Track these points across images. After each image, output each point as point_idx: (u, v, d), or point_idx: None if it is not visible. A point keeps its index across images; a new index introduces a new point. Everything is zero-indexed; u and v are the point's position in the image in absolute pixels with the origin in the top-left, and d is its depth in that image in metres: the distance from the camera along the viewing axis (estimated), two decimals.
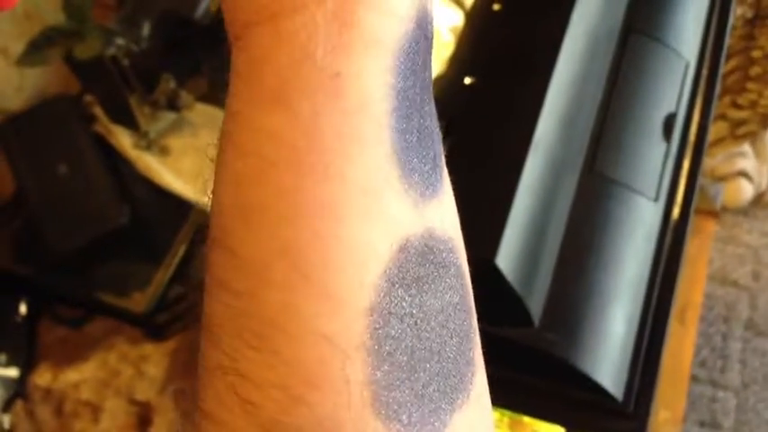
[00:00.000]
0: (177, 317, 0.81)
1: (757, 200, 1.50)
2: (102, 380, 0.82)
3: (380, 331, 0.21)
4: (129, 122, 0.81)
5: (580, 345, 0.46)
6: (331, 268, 0.21)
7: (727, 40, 0.59)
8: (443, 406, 0.22)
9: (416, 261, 0.22)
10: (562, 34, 0.47)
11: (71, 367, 0.83)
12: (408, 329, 0.21)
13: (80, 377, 0.82)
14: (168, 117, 0.83)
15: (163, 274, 0.80)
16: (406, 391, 0.21)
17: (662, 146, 0.54)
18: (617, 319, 0.48)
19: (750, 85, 1.26)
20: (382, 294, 0.21)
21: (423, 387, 0.22)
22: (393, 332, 0.21)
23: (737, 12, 1.25)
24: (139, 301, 0.79)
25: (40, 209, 0.80)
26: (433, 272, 0.22)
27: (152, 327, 0.81)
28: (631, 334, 0.48)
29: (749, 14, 1.25)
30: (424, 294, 0.22)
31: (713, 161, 1.35)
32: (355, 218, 0.21)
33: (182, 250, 0.81)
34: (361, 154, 0.21)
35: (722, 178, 1.40)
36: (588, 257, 0.49)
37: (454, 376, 0.22)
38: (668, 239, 0.52)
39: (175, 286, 0.81)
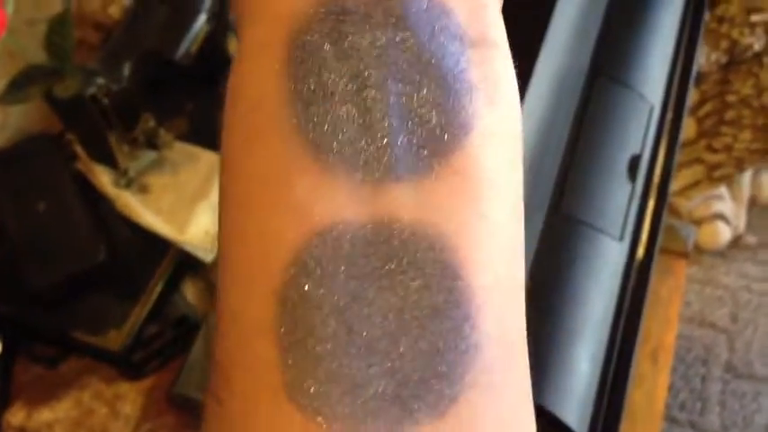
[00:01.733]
0: (153, 355, 0.81)
1: (734, 242, 1.52)
2: (75, 419, 0.81)
3: (286, 316, 0.20)
4: (109, 161, 0.81)
5: (545, 383, 0.46)
6: (238, 253, 0.22)
7: (692, 85, 0.61)
8: (393, 411, 0.20)
9: (352, 249, 0.21)
10: (529, 77, 0.49)
11: (45, 406, 0.82)
12: (331, 320, 0.20)
13: (54, 417, 0.82)
14: (148, 156, 0.83)
15: (139, 312, 0.80)
16: (329, 385, 0.20)
17: (627, 187, 0.56)
18: (582, 358, 0.48)
19: (725, 129, 1.29)
20: (289, 278, 0.21)
21: (357, 387, 0.20)
22: (303, 319, 0.20)
23: (712, 57, 1.28)
24: (115, 339, 0.79)
25: (18, 246, 0.80)
26: (386, 265, 0.21)
27: (128, 365, 0.80)
28: (596, 372, 0.49)
29: (723, 60, 1.28)
30: (366, 287, 0.21)
31: (690, 204, 1.37)
32: (260, 207, 0.22)
33: (159, 288, 0.81)
34: (261, 148, 0.22)
35: (699, 221, 1.41)
36: (554, 296, 0.50)
37: (417, 385, 0.20)
38: (633, 279, 0.52)
39: (152, 324, 0.81)
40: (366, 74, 0.21)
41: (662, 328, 0.83)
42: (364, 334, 0.20)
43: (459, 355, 0.21)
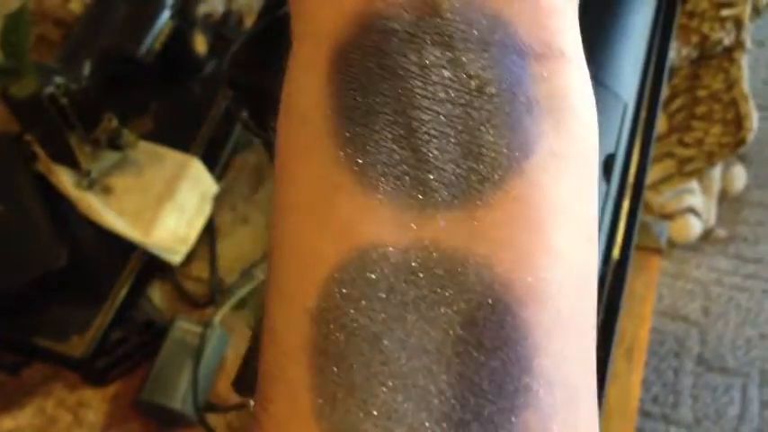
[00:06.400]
0: (118, 361, 0.79)
1: (705, 236, 1.52)
2: (38, 427, 0.79)
3: (319, 338, 0.20)
4: (71, 162, 0.79)
5: None
6: (279, 265, 0.21)
7: (665, 83, 0.60)
8: None
9: (392, 275, 0.19)
10: None
11: (7, 415, 0.80)
12: (365, 347, 0.19)
13: (16, 425, 0.79)
14: (111, 156, 0.81)
15: (103, 318, 0.78)
16: (361, 415, 0.19)
17: (602, 186, 0.55)
18: None
19: (696, 124, 1.29)
20: (324, 298, 0.20)
21: (390, 421, 0.19)
22: (337, 343, 0.19)
23: (683, 52, 1.28)
24: (78, 346, 0.77)
25: None
26: (428, 295, 0.19)
27: (91, 372, 0.78)
28: None
29: (694, 54, 1.29)
30: (405, 315, 0.19)
31: (661, 198, 1.37)
32: (303, 219, 0.21)
33: (123, 292, 0.79)
34: (307, 160, 0.21)
35: (671, 215, 1.42)
36: None
37: (457, 426, 0.19)
38: (609, 279, 0.51)
39: (116, 330, 0.79)
40: (411, 94, 0.20)
41: (636, 325, 0.82)
42: (401, 365, 0.19)
43: (507, 397, 0.19)
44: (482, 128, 0.20)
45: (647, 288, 0.85)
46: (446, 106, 0.20)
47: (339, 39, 0.21)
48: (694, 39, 1.25)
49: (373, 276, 0.20)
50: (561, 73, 0.21)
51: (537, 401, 0.19)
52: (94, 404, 0.78)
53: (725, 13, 1.20)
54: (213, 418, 0.75)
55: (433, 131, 0.20)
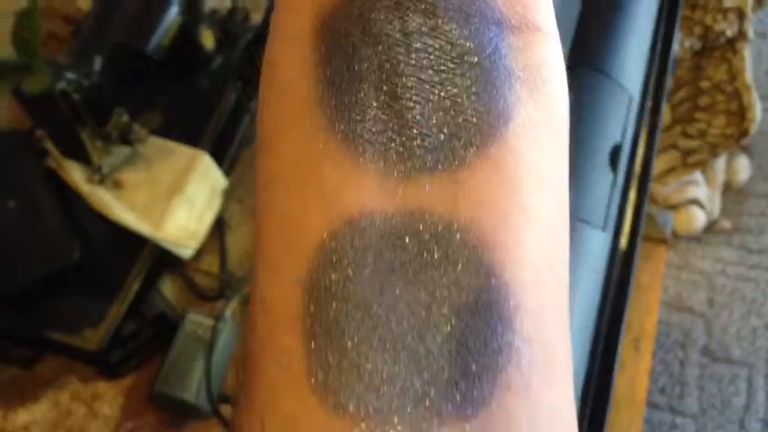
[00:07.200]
0: (132, 354, 0.80)
1: (710, 227, 1.53)
2: (53, 420, 0.80)
3: (312, 307, 0.20)
4: (82, 157, 0.80)
5: None
6: (267, 237, 0.22)
7: (670, 74, 0.60)
8: (420, 411, 0.19)
9: (380, 241, 0.20)
10: None
11: (22, 408, 0.81)
12: (356, 313, 0.20)
13: (31, 418, 0.80)
14: (121, 151, 0.82)
15: (116, 311, 0.79)
16: (354, 380, 0.19)
17: (609, 176, 0.55)
18: None
19: (699, 115, 1.29)
20: (314, 268, 0.20)
21: (383, 383, 0.19)
22: (329, 311, 0.20)
23: (686, 44, 1.28)
24: (92, 339, 0.78)
25: None
26: (415, 259, 0.20)
27: (105, 365, 0.79)
28: (582, 364, 0.49)
29: (697, 46, 1.29)
30: (393, 280, 0.20)
31: (666, 190, 1.38)
32: (289, 190, 0.21)
33: (136, 286, 0.80)
34: (292, 130, 0.21)
35: (675, 206, 1.42)
36: None
37: (446, 385, 0.19)
38: (617, 268, 0.52)
39: (129, 323, 0.80)
40: (395, 61, 0.21)
41: (643, 316, 0.83)
42: (391, 329, 0.20)
43: (491, 355, 0.20)
44: (464, 95, 0.21)
45: (653, 279, 0.86)
46: (428, 73, 0.21)
47: (324, 8, 0.22)
48: (697, 30, 1.25)
49: (362, 244, 0.20)
50: (537, 46, 0.22)
51: (518, 358, 0.20)
52: (109, 397, 0.79)
53: (727, 4, 1.21)
54: (227, 410, 0.76)
55: (416, 98, 0.21)
